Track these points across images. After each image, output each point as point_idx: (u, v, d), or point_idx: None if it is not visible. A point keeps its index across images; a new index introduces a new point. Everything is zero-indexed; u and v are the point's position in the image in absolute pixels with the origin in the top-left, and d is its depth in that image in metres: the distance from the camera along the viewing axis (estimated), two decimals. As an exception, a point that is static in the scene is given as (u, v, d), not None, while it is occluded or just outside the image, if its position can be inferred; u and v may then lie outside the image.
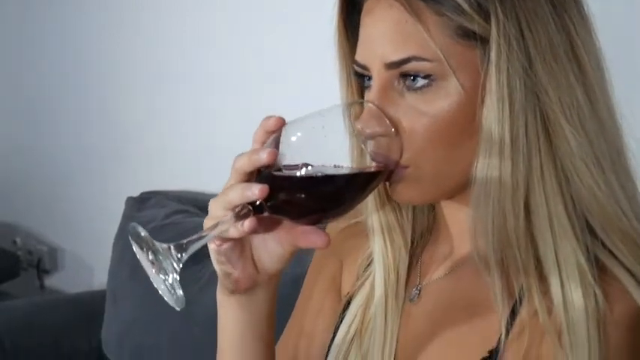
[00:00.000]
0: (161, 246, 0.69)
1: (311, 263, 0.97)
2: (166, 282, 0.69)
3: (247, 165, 0.72)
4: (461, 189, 0.76)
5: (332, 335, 0.88)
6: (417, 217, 0.85)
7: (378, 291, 0.83)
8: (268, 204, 0.72)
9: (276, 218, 0.75)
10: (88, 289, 2.32)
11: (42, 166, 2.66)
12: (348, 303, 0.88)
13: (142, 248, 0.69)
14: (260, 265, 0.77)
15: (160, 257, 0.69)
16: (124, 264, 1.80)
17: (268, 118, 0.73)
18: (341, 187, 0.72)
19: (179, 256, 0.70)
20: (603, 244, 0.72)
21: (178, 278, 0.69)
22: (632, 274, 0.71)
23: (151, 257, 0.69)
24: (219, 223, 0.71)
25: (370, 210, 0.83)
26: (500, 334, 0.74)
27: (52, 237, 2.66)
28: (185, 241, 0.71)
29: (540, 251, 0.72)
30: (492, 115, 0.70)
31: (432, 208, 0.85)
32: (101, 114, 2.43)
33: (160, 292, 0.70)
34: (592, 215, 0.71)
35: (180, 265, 0.70)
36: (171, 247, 0.70)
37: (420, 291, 0.84)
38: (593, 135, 0.72)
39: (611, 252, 0.72)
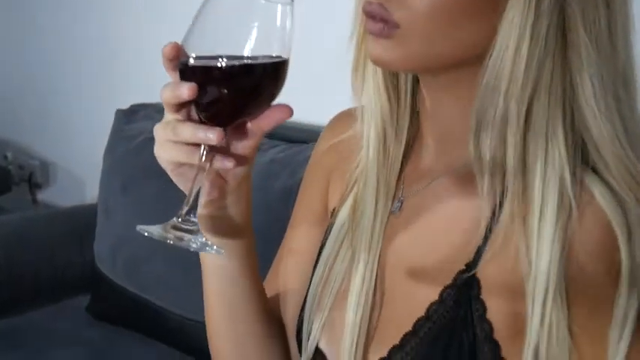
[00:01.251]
0: (175, 233, 0.74)
1: (300, 188, 0.98)
2: (198, 245, 0.74)
3: (173, 99, 0.72)
4: (449, 69, 0.74)
5: (320, 250, 0.89)
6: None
7: (368, 201, 0.83)
8: (201, 107, 0.73)
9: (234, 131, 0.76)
10: (80, 203, 2.32)
11: (32, 81, 2.63)
12: (335, 218, 0.88)
13: (159, 236, 0.73)
14: (225, 172, 0.79)
15: (181, 235, 0.74)
16: (115, 177, 1.80)
17: (164, 47, 0.72)
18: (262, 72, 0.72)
19: (192, 221, 0.74)
20: (594, 169, 0.71)
21: (204, 238, 0.74)
22: (615, 195, 0.70)
23: (174, 240, 0.73)
24: (198, 179, 0.75)
25: (369, 119, 0.82)
26: (478, 246, 0.74)
27: (44, 151, 2.66)
28: (185, 210, 0.75)
29: (529, 157, 0.71)
30: (519, 6, 0.68)
31: (417, 115, 0.84)
32: (90, 27, 2.39)
33: (208, 250, 0.75)
34: (588, 134, 0.70)
35: (197, 226, 0.74)
36: (180, 223, 0.74)
37: (401, 203, 0.83)
38: (604, 57, 0.70)
39: (600, 175, 0.71)
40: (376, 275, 0.82)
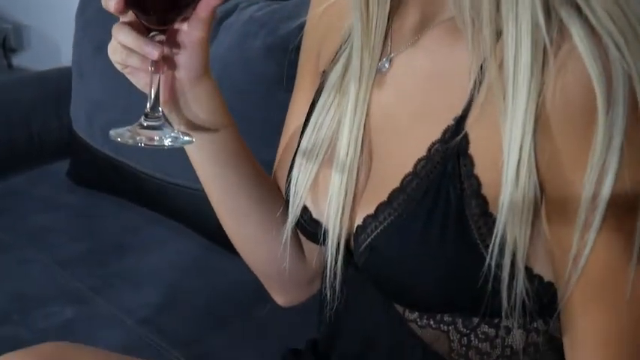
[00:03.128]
0: (144, 133, 0.75)
1: (299, 54, 0.97)
2: (169, 140, 0.76)
3: (106, 7, 0.74)
4: None
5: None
6: None
7: (355, 63, 0.81)
8: (139, 15, 0.75)
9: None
10: (55, 66, 2.26)
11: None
12: (324, 80, 0.87)
13: (133, 141, 0.75)
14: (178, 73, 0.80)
15: (150, 135, 0.75)
16: (87, 39, 1.75)
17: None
18: None
19: (156, 116, 0.76)
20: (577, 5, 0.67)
21: (173, 132, 0.76)
22: (596, 37, 0.66)
23: (145, 142, 0.75)
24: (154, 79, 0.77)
25: None
26: (467, 101, 0.72)
27: (17, 14, 2.58)
28: (148, 108, 0.77)
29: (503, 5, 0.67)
30: None
31: None
32: None
33: (181, 143, 0.77)
34: None
35: (162, 118, 0.77)
36: (146, 120, 0.76)
37: (390, 61, 0.81)
38: None
39: (582, 11, 0.67)
40: (362, 136, 0.81)
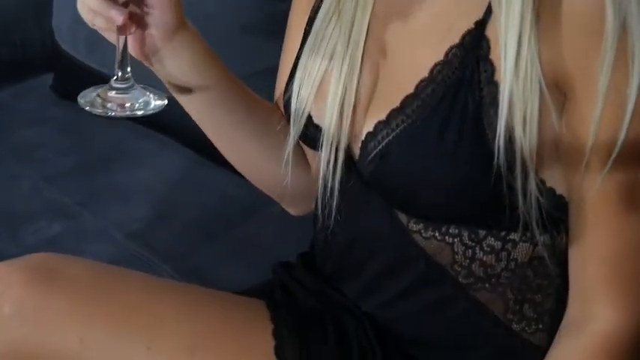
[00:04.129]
0: (115, 99, 0.75)
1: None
2: (140, 106, 0.75)
3: None
4: None
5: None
6: None
7: None
8: None
9: None
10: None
11: None
12: None
13: (102, 111, 0.74)
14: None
15: (121, 100, 0.75)
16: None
17: None
18: None
19: (126, 77, 0.76)
20: None
21: (144, 95, 0.76)
22: None
23: (117, 112, 0.75)
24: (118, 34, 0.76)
25: None
26: (489, 4, 0.70)
27: None
28: (116, 68, 0.76)
29: None
30: None
31: None
32: None
33: (153, 109, 0.76)
34: None
35: (131, 80, 0.76)
36: (116, 83, 0.76)
37: None
38: None
39: None
40: (366, 35, 0.79)
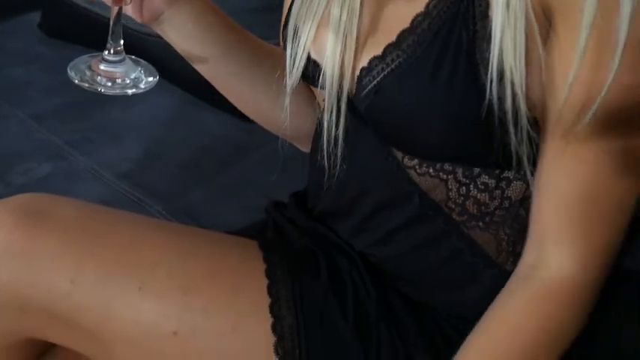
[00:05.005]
0: (102, 67, 0.74)
1: None
2: (131, 84, 0.75)
3: None
4: None
5: None
6: None
7: None
8: None
9: None
10: None
11: None
12: None
13: (90, 85, 0.73)
14: None
15: (112, 73, 0.74)
16: None
17: None
18: None
19: (117, 50, 0.75)
20: None
21: (135, 71, 0.75)
22: None
23: (106, 89, 0.73)
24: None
25: None
26: None
27: None
28: (109, 42, 0.75)
29: None
30: None
31: None
32: None
33: (144, 87, 0.76)
34: None
35: (124, 55, 0.76)
36: (107, 56, 0.75)
37: None
38: None
39: None
40: None
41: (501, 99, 0.69)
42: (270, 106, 0.91)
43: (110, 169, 1.34)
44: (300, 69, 0.82)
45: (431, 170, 0.77)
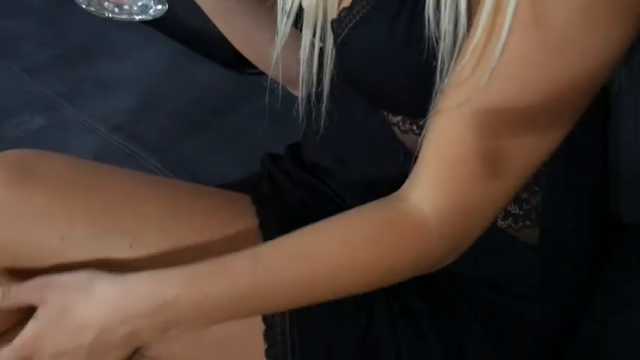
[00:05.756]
0: None
1: None
2: (138, 10, 0.72)
3: None
4: None
5: None
6: None
7: None
8: None
9: None
10: None
11: None
12: None
13: (96, 9, 0.71)
14: None
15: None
16: None
17: None
18: None
19: None
20: None
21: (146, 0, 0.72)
22: None
23: (112, 14, 0.71)
24: None
25: None
26: None
27: None
28: None
29: None
30: None
31: None
32: None
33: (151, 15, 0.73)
34: None
35: None
36: None
37: None
38: None
39: None
40: None
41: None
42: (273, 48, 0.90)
43: (103, 122, 1.33)
44: (292, 17, 0.81)
45: (414, 127, 0.76)
